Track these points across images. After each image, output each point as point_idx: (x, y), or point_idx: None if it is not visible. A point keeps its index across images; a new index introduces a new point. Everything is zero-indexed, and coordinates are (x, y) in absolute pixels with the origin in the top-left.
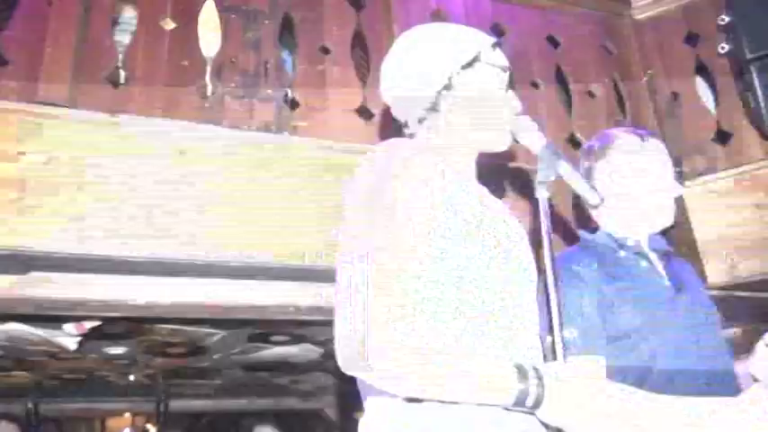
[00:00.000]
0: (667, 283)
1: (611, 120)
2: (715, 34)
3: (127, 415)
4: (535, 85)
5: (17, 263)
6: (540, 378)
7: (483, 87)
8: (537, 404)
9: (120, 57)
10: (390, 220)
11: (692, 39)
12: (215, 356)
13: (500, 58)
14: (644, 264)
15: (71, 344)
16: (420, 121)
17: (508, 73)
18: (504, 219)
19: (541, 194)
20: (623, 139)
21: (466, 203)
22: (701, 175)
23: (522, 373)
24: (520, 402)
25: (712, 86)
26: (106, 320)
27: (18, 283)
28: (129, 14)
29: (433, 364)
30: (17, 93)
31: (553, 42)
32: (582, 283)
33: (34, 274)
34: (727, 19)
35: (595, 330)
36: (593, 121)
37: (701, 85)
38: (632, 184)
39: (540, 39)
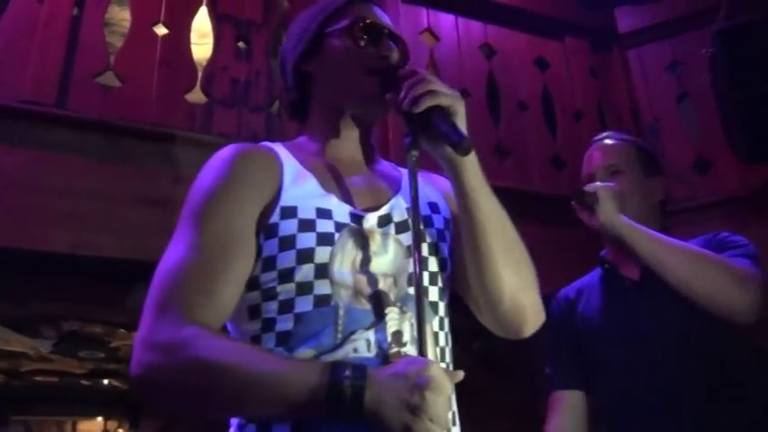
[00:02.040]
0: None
1: None
2: (699, 64)
3: (99, 419)
4: (522, 106)
5: None
6: (362, 373)
7: (336, 57)
8: (356, 399)
9: (112, 60)
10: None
11: (675, 67)
12: None
13: (355, 12)
14: (627, 283)
15: (46, 346)
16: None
17: (372, 21)
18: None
19: (411, 154)
20: None
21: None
22: (680, 202)
23: (335, 369)
24: (333, 402)
25: (695, 115)
26: (82, 323)
27: None
28: (121, 17)
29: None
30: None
31: (541, 65)
32: None
33: None
34: (711, 51)
35: None
36: (577, 144)
37: (683, 112)
38: None
39: (527, 61)
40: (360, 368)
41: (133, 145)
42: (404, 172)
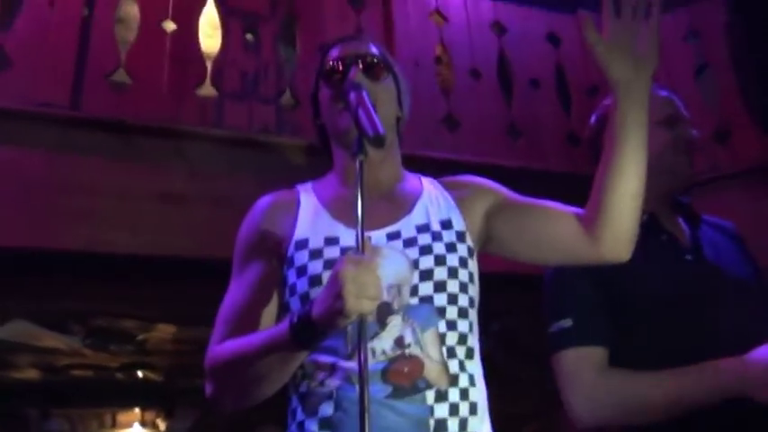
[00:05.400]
0: (688, 256)
1: None
2: (716, 33)
3: (136, 410)
4: (535, 84)
5: None
6: (307, 304)
7: (322, 105)
8: (306, 318)
9: (123, 58)
10: None
11: (693, 36)
12: None
13: (325, 60)
14: (663, 237)
15: (76, 342)
16: None
17: (333, 61)
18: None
19: (358, 157)
20: None
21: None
22: (701, 173)
23: (291, 315)
24: (294, 330)
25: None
26: (110, 318)
27: None
28: (135, 13)
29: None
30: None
31: (553, 41)
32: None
33: None
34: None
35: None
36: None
37: (701, 83)
38: None
39: (540, 37)
40: (308, 302)
41: (147, 142)
42: (424, 185)
